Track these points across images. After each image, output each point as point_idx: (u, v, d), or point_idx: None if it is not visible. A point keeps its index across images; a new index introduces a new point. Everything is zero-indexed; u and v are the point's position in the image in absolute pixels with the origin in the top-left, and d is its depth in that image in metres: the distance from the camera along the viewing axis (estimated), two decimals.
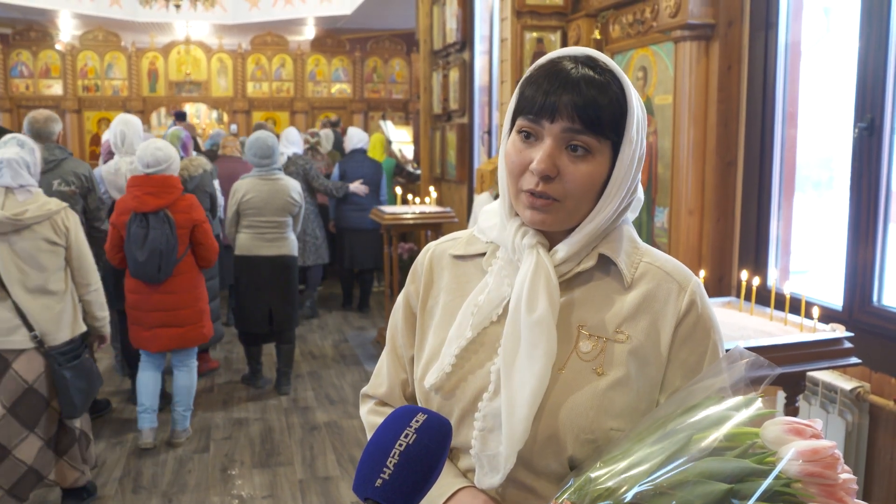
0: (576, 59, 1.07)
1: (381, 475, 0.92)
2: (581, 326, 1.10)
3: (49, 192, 3.91)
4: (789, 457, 0.85)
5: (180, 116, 9.46)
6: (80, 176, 4.42)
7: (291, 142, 7.08)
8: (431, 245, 1.28)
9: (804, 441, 0.87)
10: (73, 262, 3.36)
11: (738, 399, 0.94)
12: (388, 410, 1.20)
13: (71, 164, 4.38)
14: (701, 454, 0.89)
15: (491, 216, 1.18)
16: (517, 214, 1.13)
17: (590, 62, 1.07)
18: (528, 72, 1.11)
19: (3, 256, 3.18)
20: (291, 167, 6.83)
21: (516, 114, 1.10)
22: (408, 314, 1.27)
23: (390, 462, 0.92)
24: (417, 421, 0.96)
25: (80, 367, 3.35)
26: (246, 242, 4.94)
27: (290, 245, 5.06)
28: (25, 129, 4.39)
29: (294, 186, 5.03)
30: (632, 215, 1.16)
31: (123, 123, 4.92)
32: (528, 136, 1.07)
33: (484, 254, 1.20)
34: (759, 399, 0.94)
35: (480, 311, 1.13)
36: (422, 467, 0.93)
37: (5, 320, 3.17)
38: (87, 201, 4.41)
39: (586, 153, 1.05)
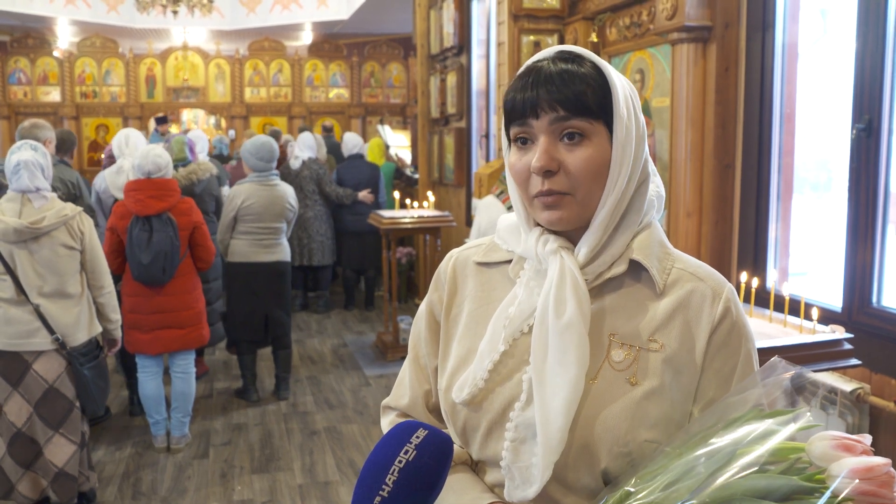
0: (548, 58, 1.08)
1: (380, 492, 0.91)
2: (612, 335, 1.07)
3: None
4: (844, 475, 0.81)
5: (160, 121, 9.49)
6: (66, 182, 4.44)
7: (308, 146, 7.18)
8: (454, 252, 1.26)
9: (856, 458, 0.83)
10: (87, 265, 3.43)
11: (785, 413, 0.90)
12: None
13: (57, 171, 4.40)
14: (746, 470, 0.85)
15: (512, 229, 1.17)
16: (536, 224, 1.12)
17: (562, 55, 1.08)
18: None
19: (23, 263, 3.24)
20: (306, 171, 7.04)
21: (507, 125, 1.10)
22: (431, 323, 1.24)
23: (389, 479, 0.91)
24: (418, 437, 0.94)
25: (98, 366, 3.46)
26: (242, 249, 4.90)
27: (285, 251, 5.05)
28: (16, 137, 4.43)
29: (290, 192, 5.02)
30: (657, 214, 1.14)
31: (128, 130, 5.11)
32: (525, 142, 1.08)
33: (509, 261, 1.17)
34: (808, 413, 0.91)
35: (512, 324, 1.10)
36: (422, 484, 0.92)
37: (26, 323, 3.24)
38: None
39: (581, 138, 1.04)
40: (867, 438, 0.86)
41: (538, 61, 1.08)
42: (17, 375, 3.25)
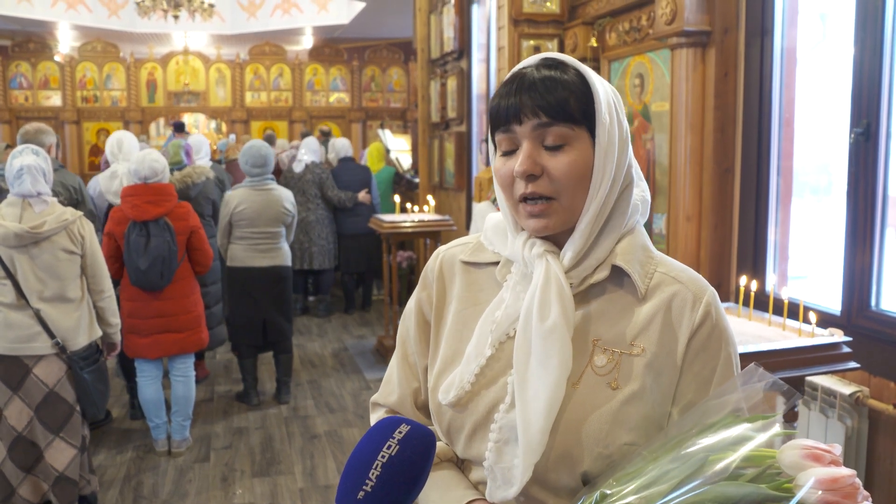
0: (532, 65, 1.10)
1: (364, 487, 0.92)
2: (596, 340, 1.09)
3: None
4: (810, 485, 0.82)
5: (179, 127, 9.49)
6: (68, 187, 4.45)
7: (312, 150, 7.22)
8: (441, 250, 1.27)
9: (823, 469, 0.84)
10: (88, 269, 3.43)
11: (757, 419, 0.92)
12: None
13: (59, 176, 4.41)
14: (717, 477, 0.86)
15: (498, 231, 1.18)
16: (523, 228, 1.13)
17: (545, 62, 1.09)
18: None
19: (24, 267, 3.25)
20: (308, 175, 7.08)
21: (492, 130, 1.12)
22: (420, 322, 1.25)
23: (372, 474, 0.92)
24: (400, 432, 0.95)
25: (98, 370, 3.46)
26: (239, 254, 4.90)
27: (284, 255, 5.03)
28: (18, 141, 4.43)
29: (287, 196, 5.00)
30: (642, 218, 1.16)
31: (120, 133, 5.10)
32: (509, 149, 1.09)
33: (496, 263, 1.18)
34: (778, 421, 0.92)
35: (499, 327, 1.12)
36: (405, 479, 0.93)
37: (26, 327, 3.25)
38: None
39: (563, 144, 1.06)
40: (837, 448, 0.87)
41: (523, 68, 1.10)
42: (18, 380, 3.26)
